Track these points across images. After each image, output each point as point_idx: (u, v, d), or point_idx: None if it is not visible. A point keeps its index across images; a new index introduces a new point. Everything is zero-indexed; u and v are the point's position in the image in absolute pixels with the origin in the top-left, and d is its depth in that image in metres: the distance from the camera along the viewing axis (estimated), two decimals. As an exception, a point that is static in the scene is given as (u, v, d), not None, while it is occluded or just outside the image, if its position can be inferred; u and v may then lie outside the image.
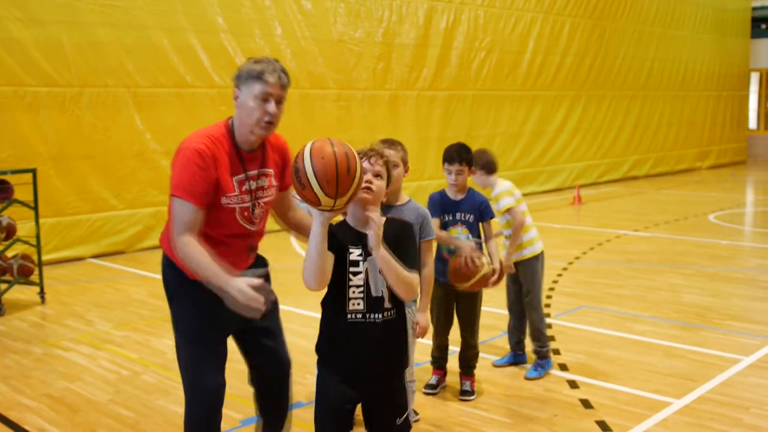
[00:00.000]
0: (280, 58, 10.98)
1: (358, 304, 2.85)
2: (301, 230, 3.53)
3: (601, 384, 4.98)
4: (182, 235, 3.05)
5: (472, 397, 4.75)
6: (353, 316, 2.87)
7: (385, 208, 3.75)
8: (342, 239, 2.86)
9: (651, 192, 16.17)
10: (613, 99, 17.91)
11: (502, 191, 5.05)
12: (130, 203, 9.80)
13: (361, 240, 2.84)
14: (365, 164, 2.90)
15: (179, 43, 10.05)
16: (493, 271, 4.54)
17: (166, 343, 5.90)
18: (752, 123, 24.45)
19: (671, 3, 19.37)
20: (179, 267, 3.21)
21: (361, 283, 2.84)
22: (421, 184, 13.16)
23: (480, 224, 4.73)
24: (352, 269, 2.85)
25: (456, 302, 4.80)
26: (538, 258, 5.15)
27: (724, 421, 4.38)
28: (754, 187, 18.20)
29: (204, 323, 3.27)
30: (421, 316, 3.86)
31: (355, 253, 2.85)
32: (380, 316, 2.86)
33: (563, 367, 5.28)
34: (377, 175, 2.91)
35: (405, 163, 3.87)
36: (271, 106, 3.13)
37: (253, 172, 3.27)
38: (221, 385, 3.33)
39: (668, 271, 8.40)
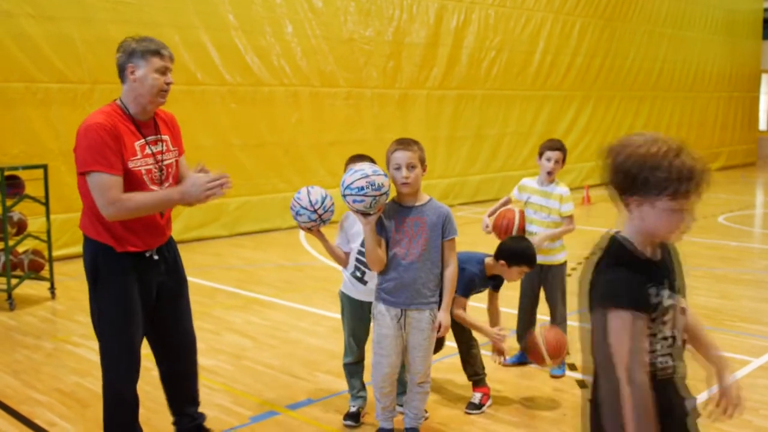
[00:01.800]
0: (290, 56, 11.12)
1: None
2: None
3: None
4: (113, 200, 3.30)
5: (480, 411, 4.55)
6: None
7: (406, 209, 3.80)
8: None
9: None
10: (623, 99, 17.87)
11: (569, 196, 5.15)
12: (140, 200, 9.82)
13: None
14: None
15: (190, 40, 10.08)
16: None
17: (176, 339, 5.92)
18: (762, 124, 24.36)
19: (682, 4, 19.31)
20: (107, 244, 3.44)
21: None
22: (430, 183, 13.16)
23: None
24: None
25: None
26: (565, 264, 5.23)
27: (734, 423, 4.35)
28: (764, 188, 18.14)
29: (129, 300, 3.52)
30: (443, 315, 3.85)
31: None
32: None
33: (572, 367, 5.28)
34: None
35: (423, 162, 3.83)
36: (169, 77, 3.52)
37: (151, 138, 3.53)
38: (136, 366, 3.67)
39: (678, 272, 8.38)
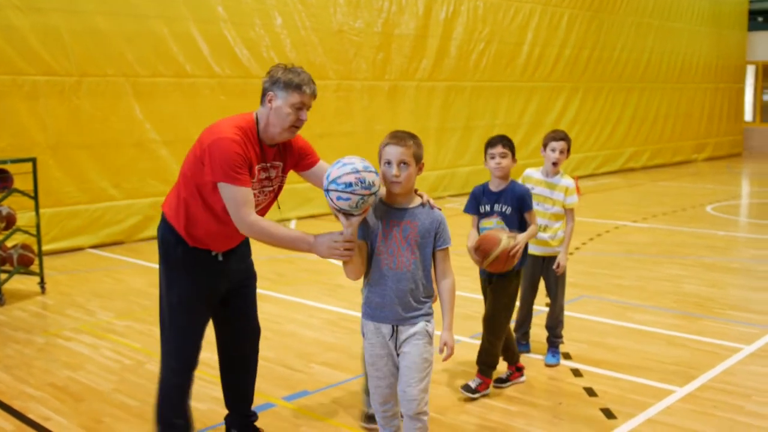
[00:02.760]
0: (279, 48, 11.07)
1: None
2: None
3: (604, 372, 5.00)
4: (248, 216, 3.32)
5: (472, 395, 4.57)
6: None
7: (395, 210, 3.28)
8: None
9: (648, 183, 16.19)
10: (610, 91, 17.91)
11: (574, 188, 5.16)
12: (130, 193, 9.78)
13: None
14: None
15: (179, 32, 10.02)
16: (514, 245, 4.31)
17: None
18: (748, 115, 24.49)
19: (670, -5, 19.37)
20: (179, 233, 3.50)
21: None
22: (419, 175, 13.12)
23: (523, 215, 4.57)
24: None
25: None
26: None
27: (727, 409, 4.41)
28: (749, 179, 18.24)
29: (196, 291, 3.57)
30: (448, 334, 3.33)
31: None
32: None
33: (566, 356, 5.29)
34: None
35: (418, 160, 3.28)
36: (304, 115, 3.48)
37: (267, 164, 3.55)
38: (198, 353, 3.67)
39: (667, 261, 8.43)
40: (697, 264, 8.29)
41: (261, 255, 8.92)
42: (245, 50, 10.73)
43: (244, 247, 3.78)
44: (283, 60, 11.15)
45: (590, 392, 4.67)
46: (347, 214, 3.15)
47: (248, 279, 3.85)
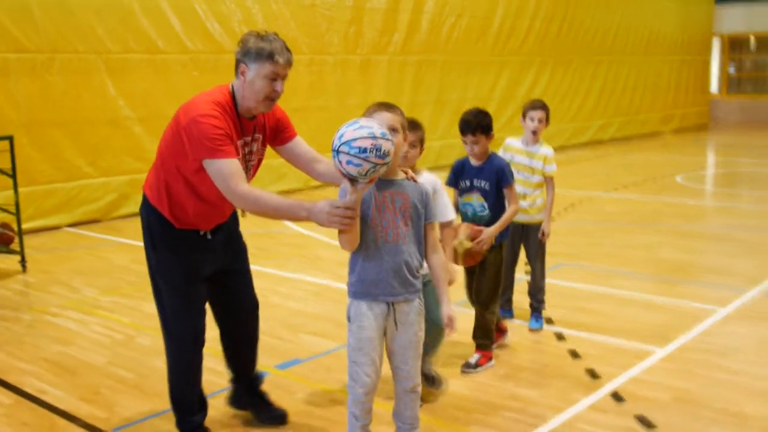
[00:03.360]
0: (251, 22, 11.01)
1: None
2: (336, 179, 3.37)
3: (586, 335, 5.14)
4: (238, 187, 3.19)
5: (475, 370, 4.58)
6: None
7: (385, 182, 3.16)
8: None
9: (617, 155, 16.42)
10: (579, 64, 18.07)
11: (554, 157, 5.26)
12: (105, 171, 9.72)
13: None
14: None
15: (150, 6, 9.92)
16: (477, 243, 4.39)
17: (156, 306, 5.94)
18: (714, 87, 24.84)
19: (637, -33, 19.53)
20: (165, 216, 3.43)
21: None
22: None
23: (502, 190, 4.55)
24: None
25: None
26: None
27: (706, 366, 4.58)
28: (716, 150, 18.57)
29: (186, 273, 3.51)
30: (449, 308, 3.24)
31: None
32: None
33: (549, 321, 5.43)
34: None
35: (405, 129, 3.25)
36: (279, 85, 3.30)
37: (248, 138, 3.45)
38: (202, 332, 3.61)
39: (641, 230, 8.61)
40: (671, 232, 8.49)
41: (244, 230, 8.94)
42: (217, 25, 10.66)
43: (231, 221, 3.72)
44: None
45: (574, 354, 4.81)
46: (353, 180, 2.94)
47: (239, 254, 3.78)
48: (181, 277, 3.50)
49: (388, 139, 2.91)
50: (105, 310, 5.97)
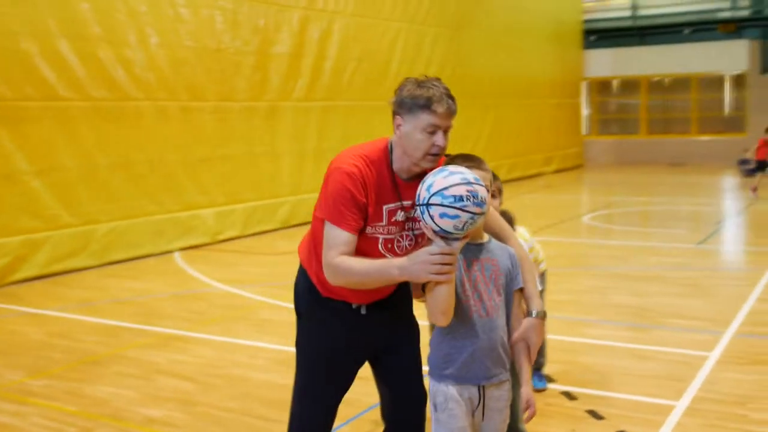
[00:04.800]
0: (156, 67, 10.33)
1: None
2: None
3: (595, 392, 4.87)
4: (334, 258, 2.75)
5: None
6: None
7: (474, 247, 2.80)
8: None
9: (515, 198, 16.60)
10: (471, 108, 18.25)
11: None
12: (-1, 231, 8.70)
13: None
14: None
15: (49, 51, 9.06)
16: None
17: (106, 390, 5.17)
18: (584, 128, 25.90)
19: (518, 15, 20.12)
20: (314, 284, 3.02)
21: None
22: (301, 198, 12.77)
23: None
24: None
25: None
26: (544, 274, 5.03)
27: (733, 419, 4.39)
28: (598, 189, 19.20)
29: (325, 350, 3.01)
30: (529, 391, 2.81)
31: None
32: None
33: (549, 379, 5.11)
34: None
35: (491, 185, 2.89)
36: (440, 139, 2.79)
37: (408, 203, 2.89)
38: (326, 425, 3.07)
39: (583, 273, 8.55)
40: (610, 275, 8.46)
41: (158, 293, 8.21)
42: (121, 71, 9.89)
43: (397, 299, 3.11)
44: (161, 81, 10.41)
45: (595, 415, 4.51)
46: (445, 238, 2.53)
47: (405, 336, 3.15)
48: (315, 352, 3.02)
49: (482, 185, 2.56)
50: (40, 397, 5.14)
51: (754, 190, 14.93)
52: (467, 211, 2.49)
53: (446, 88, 2.81)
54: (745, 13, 22.90)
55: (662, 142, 24.36)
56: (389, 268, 2.65)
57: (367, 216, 2.82)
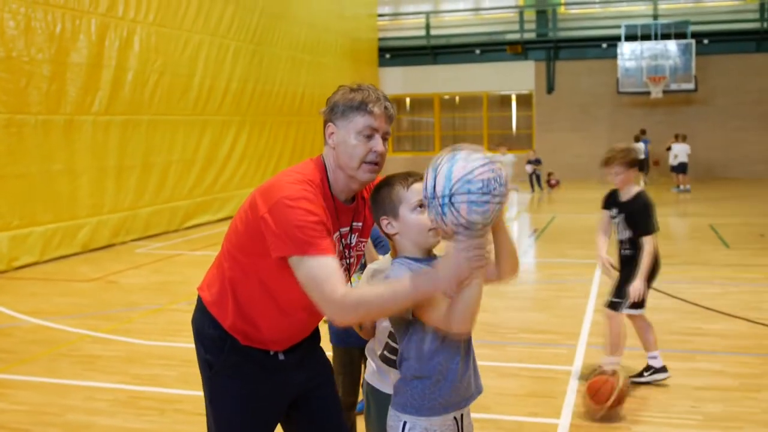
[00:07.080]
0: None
1: None
2: None
3: (480, 416, 4.74)
4: (334, 293, 2.26)
5: None
6: None
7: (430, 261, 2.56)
8: None
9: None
10: (273, 125, 17.96)
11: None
12: None
13: None
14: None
15: None
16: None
17: None
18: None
19: (317, 32, 20.07)
20: (227, 330, 2.54)
21: None
22: (100, 219, 11.80)
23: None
24: None
25: None
26: None
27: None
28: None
29: (253, 407, 2.61)
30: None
31: None
32: None
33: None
34: None
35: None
36: (378, 144, 2.46)
37: (346, 229, 2.58)
38: None
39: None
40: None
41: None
42: None
43: (310, 340, 2.74)
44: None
45: (489, 440, 4.39)
46: (468, 228, 2.15)
47: (321, 375, 2.80)
48: (236, 405, 2.57)
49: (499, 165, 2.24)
50: None
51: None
52: (497, 196, 2.14)
53: (383, 93, 2.55)
54: (531, 35, 24.47)
55: (453, 159, 25.41)
56: (422, 283, 2.21)
57: None
